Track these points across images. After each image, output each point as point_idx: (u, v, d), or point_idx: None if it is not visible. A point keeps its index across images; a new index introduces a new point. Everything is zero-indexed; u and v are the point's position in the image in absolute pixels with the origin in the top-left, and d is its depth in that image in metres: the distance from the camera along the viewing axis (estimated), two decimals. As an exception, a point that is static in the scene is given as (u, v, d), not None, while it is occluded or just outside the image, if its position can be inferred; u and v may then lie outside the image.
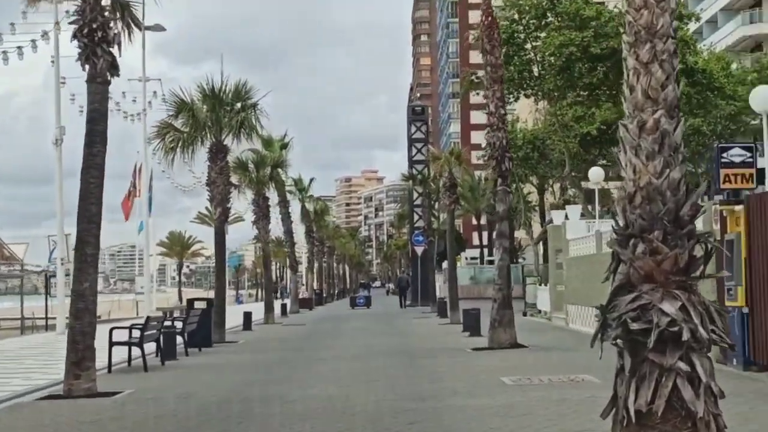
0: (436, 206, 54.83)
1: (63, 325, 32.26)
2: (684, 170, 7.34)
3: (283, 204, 51.65)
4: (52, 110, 32.44)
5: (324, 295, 79.30)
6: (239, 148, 28.08)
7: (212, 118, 26.28)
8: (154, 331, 19.06)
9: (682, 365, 6.95)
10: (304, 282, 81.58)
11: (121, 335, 18.84)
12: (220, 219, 26.71)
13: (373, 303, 60.53)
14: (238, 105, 26.56)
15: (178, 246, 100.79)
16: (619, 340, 7.19)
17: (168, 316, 38.11)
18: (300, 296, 61.18)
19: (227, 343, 25.94)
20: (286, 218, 51.79)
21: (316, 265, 74.03)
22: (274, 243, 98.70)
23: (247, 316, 32.84)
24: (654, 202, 7.25)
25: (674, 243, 7.19)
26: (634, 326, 7.06)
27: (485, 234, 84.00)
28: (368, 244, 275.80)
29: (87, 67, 14.39)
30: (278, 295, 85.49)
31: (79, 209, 14.31)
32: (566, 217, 29.62)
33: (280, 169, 43.34)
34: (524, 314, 35.10)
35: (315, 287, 73.71)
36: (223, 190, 26.56)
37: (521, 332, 21.35)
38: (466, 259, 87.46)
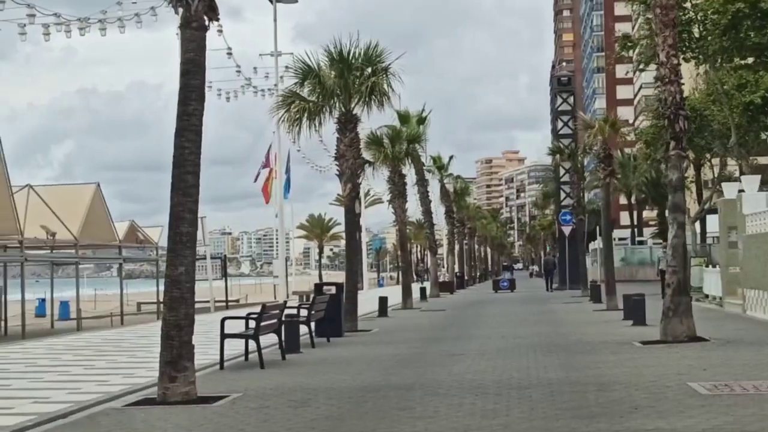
0: (583, 183, 51.45)
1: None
2: None
3: (421, 183, 49.19)
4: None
5: (465, 278, 76.59)
6: (370, 119, 25.55)
7: (340, 85, 23.87)
8: (273, 321, 16.76)
9: None
10: (444, 264, 79.11)
11: (236, 326, 16.72)
12: (350, 196, 24.31)
13: (517, 286, 57.55)
14: (369, 70, 24.05)
15: (317, 228, 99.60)
16: None
17: (304, 300, 36.20)
18: (440, 279, 58.71)
19: (360, 332, 23.60)
20: (425, 198, 49.29)
21: (456, 247, 71.40)
22: (414, 225, 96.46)
23: (383, 301, 30.47)
24: None
25: None
26: None
27: (631, 214, 79.77)
28: (510, 225, 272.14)
29: (180, 10, 12.09)
30: (418, 278, 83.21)
31: (173, 179, 12.03)
32: (742, 190, 26.02)
33: (417, 145, 40.77)
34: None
35: (456, 270, 71.09)
36: (353, 165, 24.17)
37: (695, 322, 18.21)
38: (614, 239, 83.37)
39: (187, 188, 11.98)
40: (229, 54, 36.55)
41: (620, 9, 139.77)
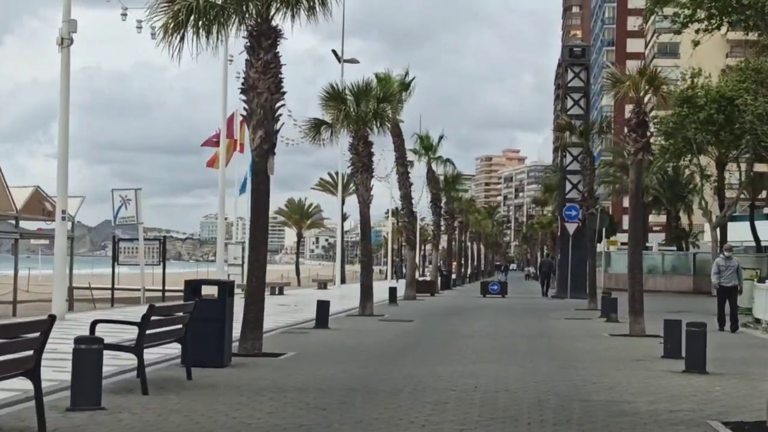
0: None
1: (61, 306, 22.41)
2: None
3: (401, 161, 40.83)
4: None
5: (453, 277, 68.20)
6: (294, 34, 17.01)
7: (251, -21, 15.52)
8: (24, 356, 8.44)
9: None
10: (432, 261, 70.89)
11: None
12: (261, 149, 15.87)
13: (509, 290, 49.17)
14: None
15: (296, 215, 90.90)
16: None
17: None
18: (421, 278, 50.43)
19: (262, 356, 15.33)
20: (404, 179, 40.91)
21: (444, 241, 63.04)
22: (401, 217, 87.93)
23: (322, 306, 22.04)
24: None
25: None
26: None
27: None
28: (506, 225, 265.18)
29: None
30: (396, 275, 74.75)
31: None
32: None
33: (393, 111, 32.49)
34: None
35: (441, 267, 62.73)
36: (268, 101, 15.80)
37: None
38: (617, 244, 75.34)
39: None
40: None
41: (634, 1, 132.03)
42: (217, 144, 45.63)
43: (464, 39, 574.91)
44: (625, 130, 22.17)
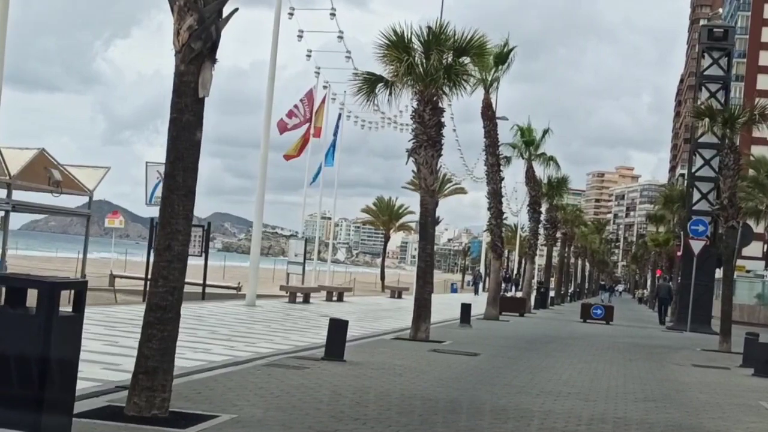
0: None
1: None
2: None
3: (491, 150, 33.37)
4: None
5: (552, 294, 60.11)
6: None
7: None
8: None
9: None
10: (526, 275, 63.02)
11: None
12: (188, 50, 8.82)
13: (615, 315, 41.16)
14: None
15: (384, 215, 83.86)
16: None
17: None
18: (510, 293, 42.89)
19: (160, 425, 8.31)
20: (494, 172, 33.39)
21: (542, 253, 55.17)
22: (508, 229, 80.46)
23: (335, 328, 14.82)
24: None
25: None
26: None
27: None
28: (615, 244, 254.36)
29: None
30: (475, 288, 66.75)
31: None
32: None
33: (479, 73, 25.21)
34: None
35: (540, 282, 54.85)
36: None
37: None
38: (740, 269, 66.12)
39: None
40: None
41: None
42: (291, 128, 41.15)
43: (581, 53, 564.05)
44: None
